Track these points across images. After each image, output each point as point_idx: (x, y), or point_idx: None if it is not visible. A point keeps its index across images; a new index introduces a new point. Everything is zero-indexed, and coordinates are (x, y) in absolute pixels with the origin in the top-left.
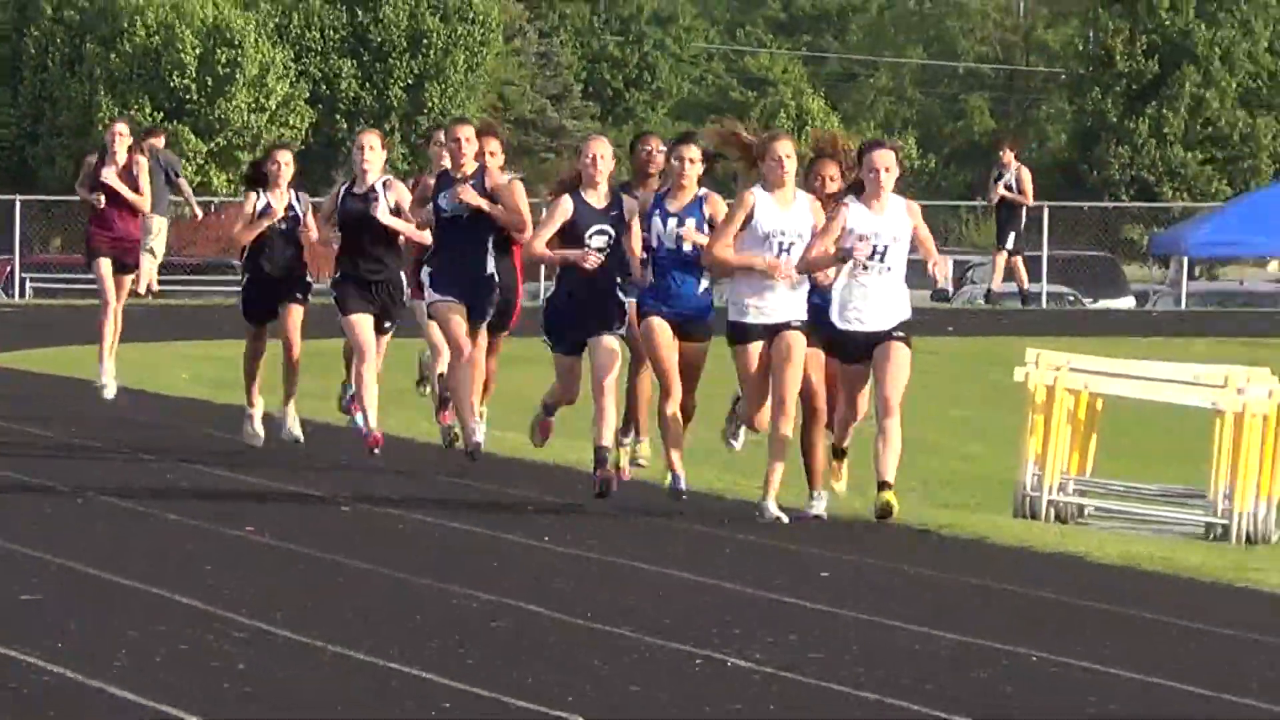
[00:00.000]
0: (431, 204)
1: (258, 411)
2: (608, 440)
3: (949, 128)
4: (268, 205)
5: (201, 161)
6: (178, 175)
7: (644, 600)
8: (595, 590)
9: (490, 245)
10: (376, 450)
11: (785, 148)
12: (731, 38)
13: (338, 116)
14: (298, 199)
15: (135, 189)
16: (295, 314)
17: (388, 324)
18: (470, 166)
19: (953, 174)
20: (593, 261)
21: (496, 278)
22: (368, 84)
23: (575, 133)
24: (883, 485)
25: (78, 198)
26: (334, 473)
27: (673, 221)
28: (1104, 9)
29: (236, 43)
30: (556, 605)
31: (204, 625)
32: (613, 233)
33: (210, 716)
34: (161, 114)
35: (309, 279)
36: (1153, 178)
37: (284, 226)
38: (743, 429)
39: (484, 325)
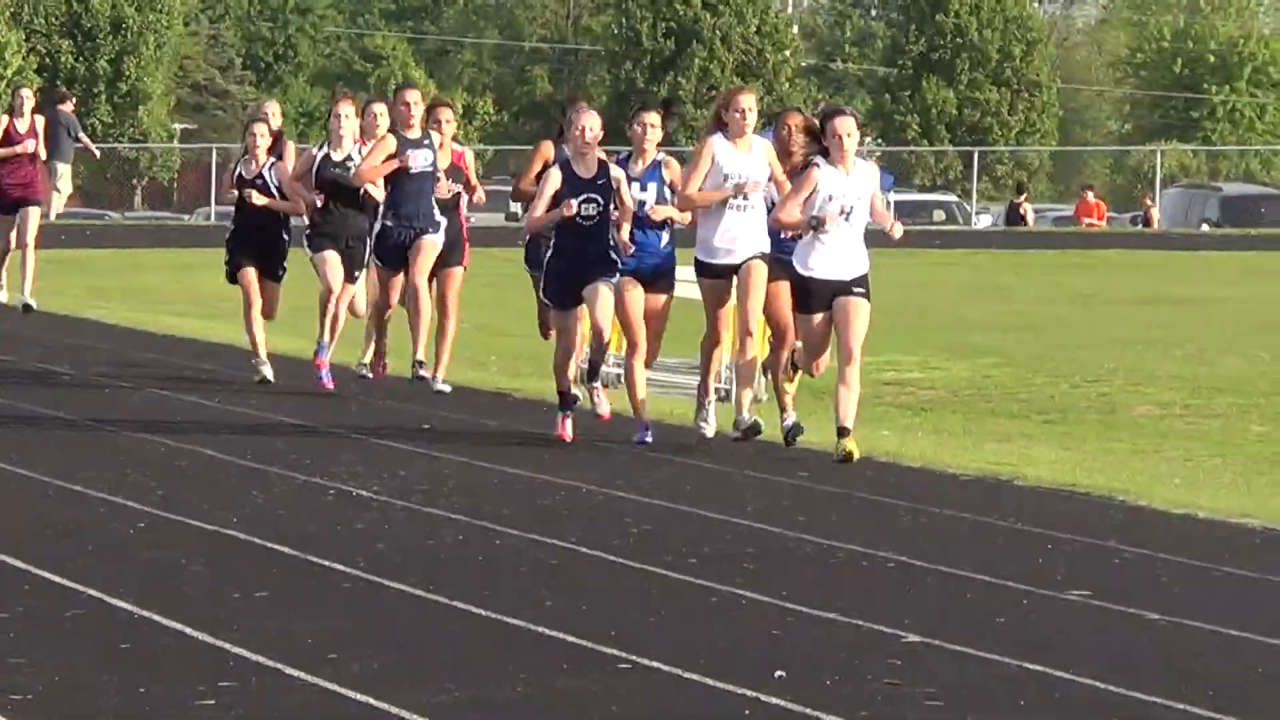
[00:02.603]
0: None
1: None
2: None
3: (518, 91)
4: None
5: None
6: (79, 132)
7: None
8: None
9: (431, 198)
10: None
11: (748, 100)
12: (354, 23)
13: (58, 84)
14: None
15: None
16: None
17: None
18: (417, 131)
19: (521, 126)
20: (569, 211)
21: (438, 218)
22: (80, 58)
23: (238, 96)
24: (842, 430)
25: None
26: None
27: (635, 185)
28: (633, 1)
29: None
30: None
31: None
32: (601, 201)
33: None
34: None
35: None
36: (670, 130)
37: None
38: (711, 412)
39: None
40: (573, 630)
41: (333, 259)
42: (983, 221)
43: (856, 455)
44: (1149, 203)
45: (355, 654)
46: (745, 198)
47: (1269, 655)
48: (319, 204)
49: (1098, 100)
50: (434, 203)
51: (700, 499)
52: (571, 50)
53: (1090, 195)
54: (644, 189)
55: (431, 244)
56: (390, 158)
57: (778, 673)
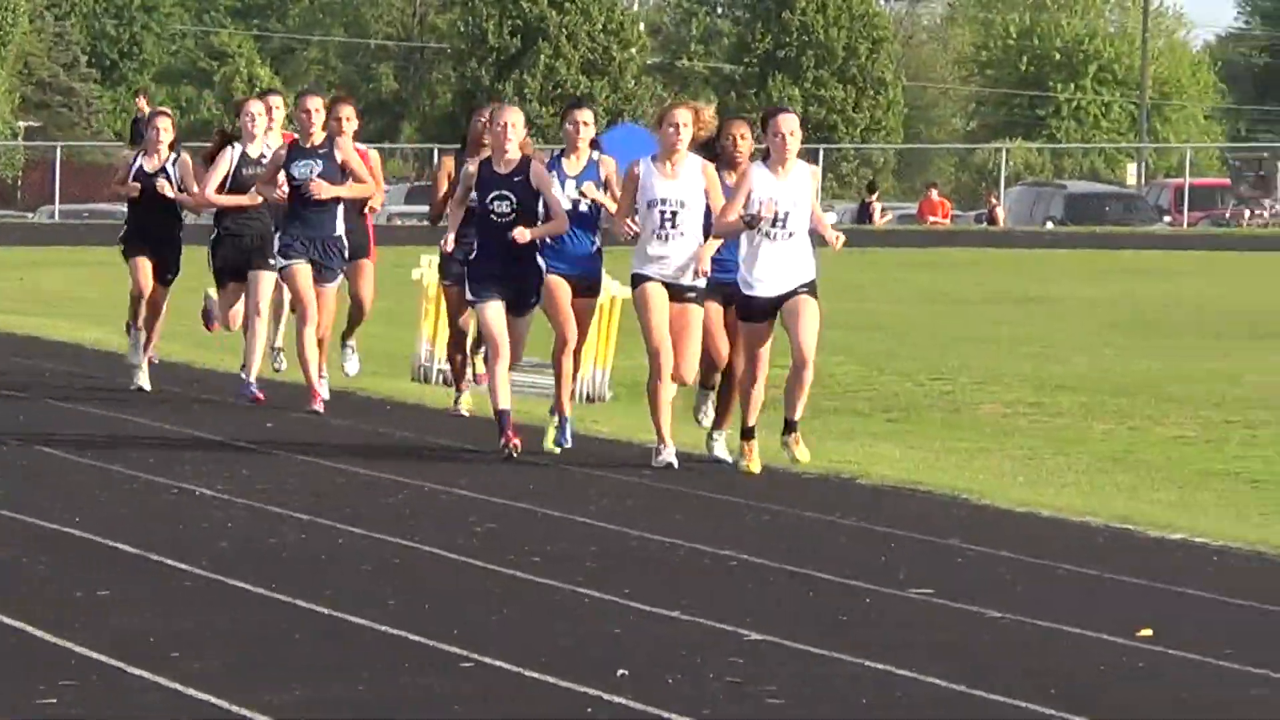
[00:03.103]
0: (284, 171)
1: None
2: (504, 404)
3: (364, 89)
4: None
5: None
6: None
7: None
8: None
9: (339, 208)
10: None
11: (683, 116)
12: (200, 20)
13: None
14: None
15: None
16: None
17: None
18: (319, 137)
19: (367, 124)
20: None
21: (344, 240)
22: None
23: (82, 93)
24: (789, 424)
25: None
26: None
27: (570, 185)
28: None
29: None
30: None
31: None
32: (515, 198)
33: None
34: None
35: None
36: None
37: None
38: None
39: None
40: (415, 629)
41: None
42: (829, 219)
43: (803, 461)
44: (994, 201)
45: (198, 653)
46: (674, 224)
47: (1112, 653)
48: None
49: (943, 98)
50: (338, 219)
51: (543, 498)
52: (417, 48)
53: (934, 193)
54: (579, 187)
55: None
56: (280, 171)
57: (620, 671)
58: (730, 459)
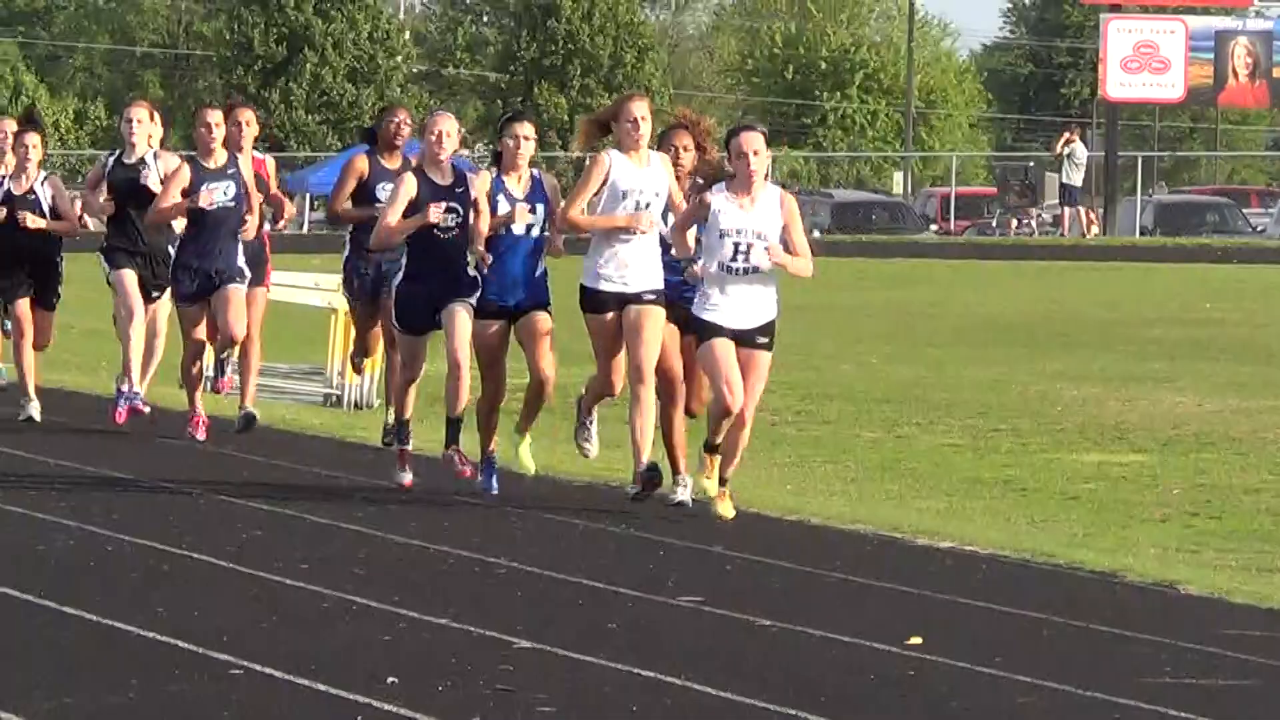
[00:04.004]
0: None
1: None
2: (459, 413)
3: (130, 96)
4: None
5: None
6: None
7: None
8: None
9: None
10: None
11: (640, 109)
12: None
13: None
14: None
15: None
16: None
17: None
18: (221, 155)
19: None
20: (434, 216)
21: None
22: None
23: None
24: (722, 480)
25: None
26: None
27: (521, 206)
28: (245, 7)
29: None
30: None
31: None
32: (460, 211)
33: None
34: None
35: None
36: (282, 135)
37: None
38: (594, 430)
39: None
40: (184, 636)
41: (130, 278)
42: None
43: (725, 512)
44: None
45: None
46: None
47: (879, 660)
48: (111, 214)
49: (710, 106)
50: (238, 241)
51: (310, 505)
52: (184, 55)
53: None
54: (532, 210)
55: (238, 293)
56: (185, 193)
57: (389, 678)
58: (690, 502)
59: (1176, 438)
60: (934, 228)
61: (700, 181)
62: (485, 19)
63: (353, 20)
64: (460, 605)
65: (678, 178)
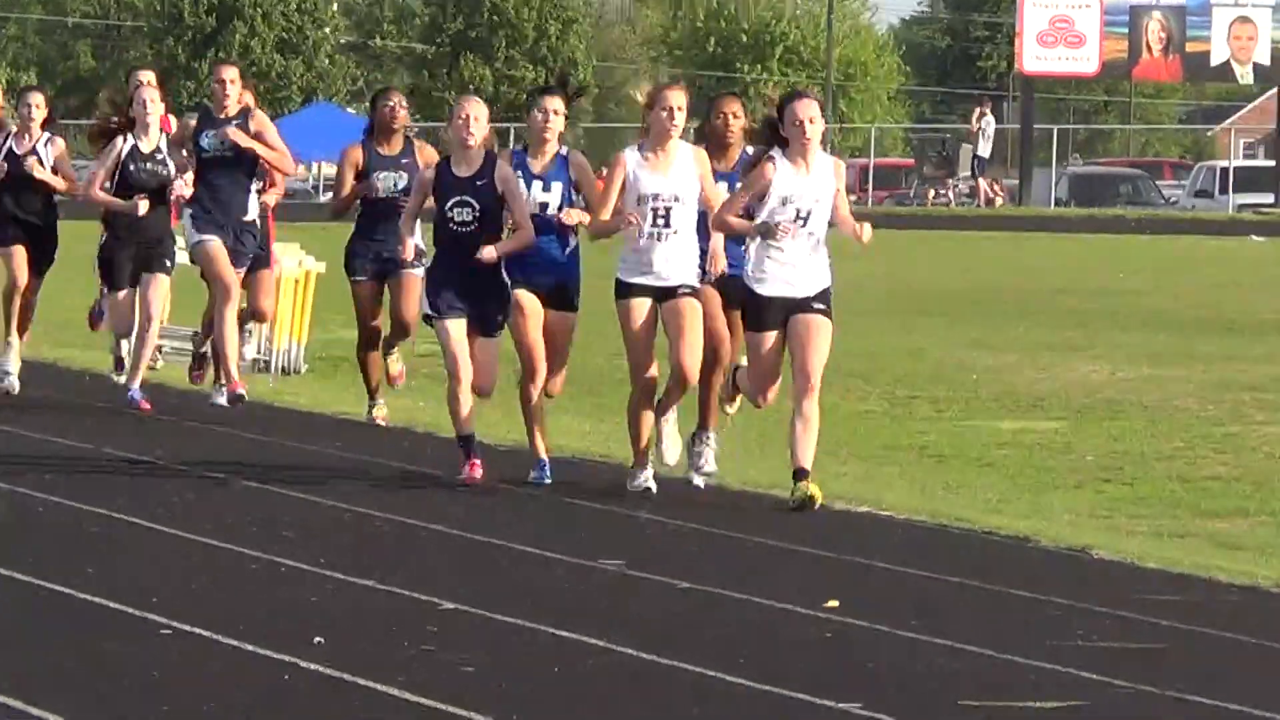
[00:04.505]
0: (193, 143)
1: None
2: (466, 430)
3: (62, 66)
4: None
5: None
6: None
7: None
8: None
9: (251, 188)
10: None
11: (677, 98)
12: None
13: None
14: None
15: None
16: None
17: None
18: (234, 108)
19: (65, 101)
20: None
21: (257, 223)
22: None
23: None
24: (800, 473)
25: None
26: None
27: (537, 185)
28: None
29: None
30: None
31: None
32: (477, 205)
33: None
34: None
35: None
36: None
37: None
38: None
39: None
40: (114, 597)
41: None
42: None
43: (819, 499)
44: None
45: None
46: (667, 222)
47: (799, 623)
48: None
49: (633, 78)
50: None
51: (240, 468)
52: (114, 26)
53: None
54: (547, 189)
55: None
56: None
57: (316, 639)
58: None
59: (1090, 406)
60: (852, 198)
61: (749, 154)
62: None
63: None
64: (386, 568)
65: (728, 144)
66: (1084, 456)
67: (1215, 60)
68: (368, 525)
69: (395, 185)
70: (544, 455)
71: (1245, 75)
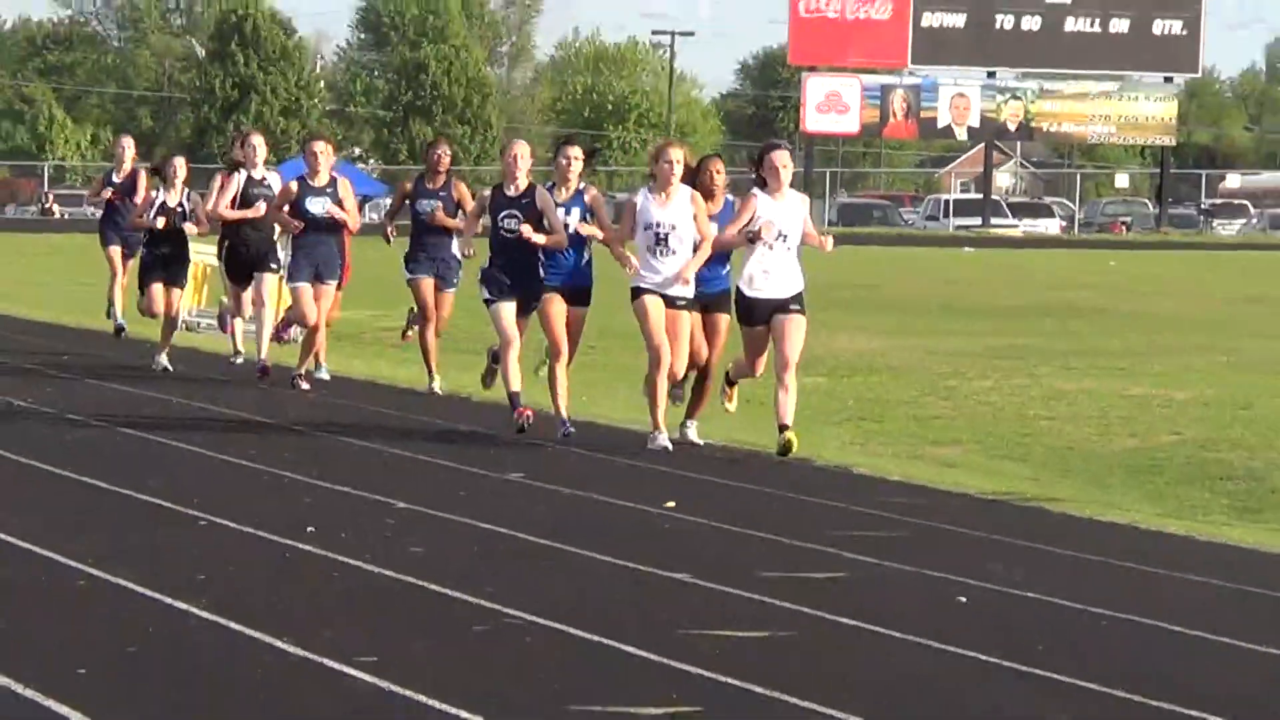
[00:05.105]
0: (294, 206)
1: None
2: (516, 387)
3: (128, 124)
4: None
5: None
6: None
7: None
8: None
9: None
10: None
11: (676, 154)
12: (15, 76)
13: None
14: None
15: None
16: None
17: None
18: (325, 177)
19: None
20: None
21: (338, 256)
22: None
23: None
24: (783, 427)
25: None
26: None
27: (560, 210)
28: (210, 64)
29: None
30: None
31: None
32: (521, 216)
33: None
34: None
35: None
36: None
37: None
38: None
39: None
40: (174, 499)
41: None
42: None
43: (796, 445)
44: None
45: None
46: (666, 245)
47: (642, 517)
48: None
49: (529, 135)
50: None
51: (325, 423)
52: (166, 96)
53: None
54: (568, 213)
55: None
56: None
57: (309, 528)
58: (702, 443)
59: (848, 365)
60: None
61: (731, 199)
62: (375, 73)
63: (284, 74)
64: (356, 479)
65: (713, 193)
66: (845, 401)
67: (941, 124)
68: (347, 449)
69: (431, 209)
70: (565, 414)
71: (961, 134)
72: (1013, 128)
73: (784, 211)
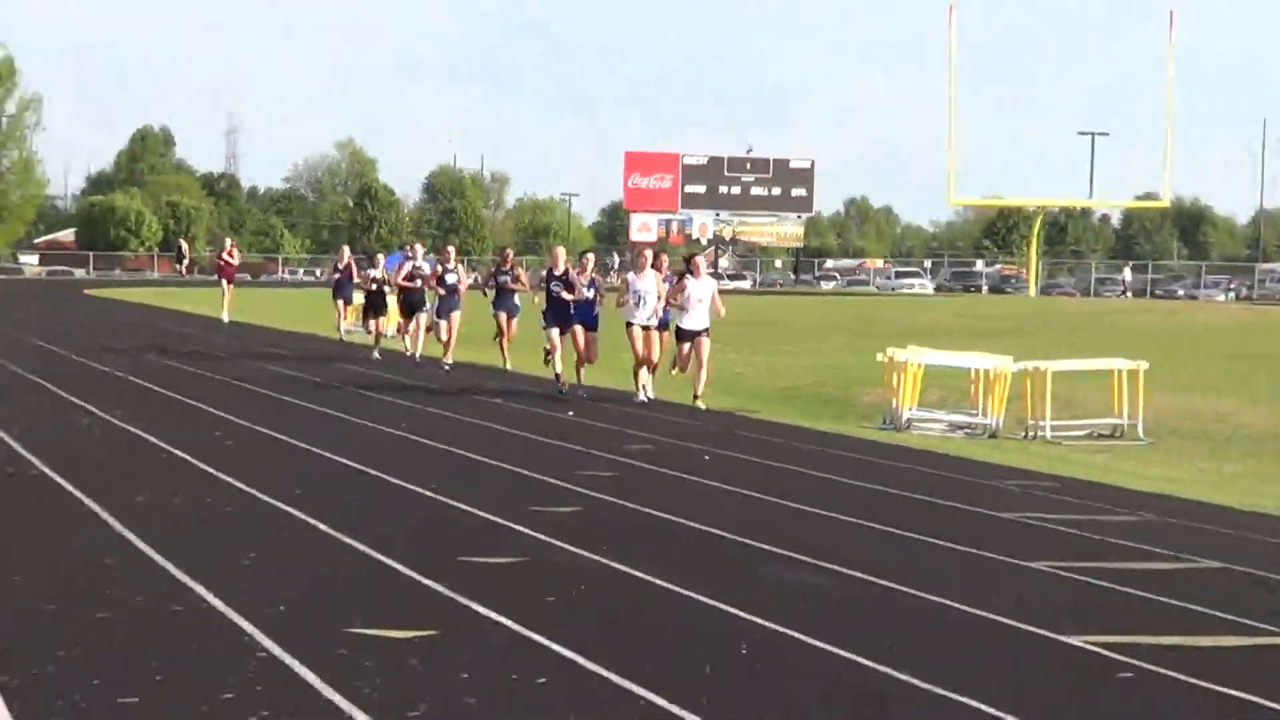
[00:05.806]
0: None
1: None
2: (559, 370)
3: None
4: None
5: None
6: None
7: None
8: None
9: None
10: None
11: (649, 254)
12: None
13: None
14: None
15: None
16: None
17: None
18: (452, 263)
19: None
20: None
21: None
22: None
23: None
24: (695, 396)
25: None
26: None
27: (581, 286)
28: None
29: None
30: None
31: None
32: (564, 284)
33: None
34: None
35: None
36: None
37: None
38: (647, 385)
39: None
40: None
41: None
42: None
43: (704, 406)
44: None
45: None
46: (645, 301)
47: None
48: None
49: (509, 243)
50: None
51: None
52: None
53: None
54: (587, 289)
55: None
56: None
57: (296, 489)
58: (652, 398)
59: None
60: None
61: (674, 275)
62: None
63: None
64: (313, 436)
65: (665, 275)
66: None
67: (694, 236)
68: (296, 410)
69: (504, 281)
70: (581, 382)
71: (703, 241)
72: (727, 238)
73: (701, 287)
